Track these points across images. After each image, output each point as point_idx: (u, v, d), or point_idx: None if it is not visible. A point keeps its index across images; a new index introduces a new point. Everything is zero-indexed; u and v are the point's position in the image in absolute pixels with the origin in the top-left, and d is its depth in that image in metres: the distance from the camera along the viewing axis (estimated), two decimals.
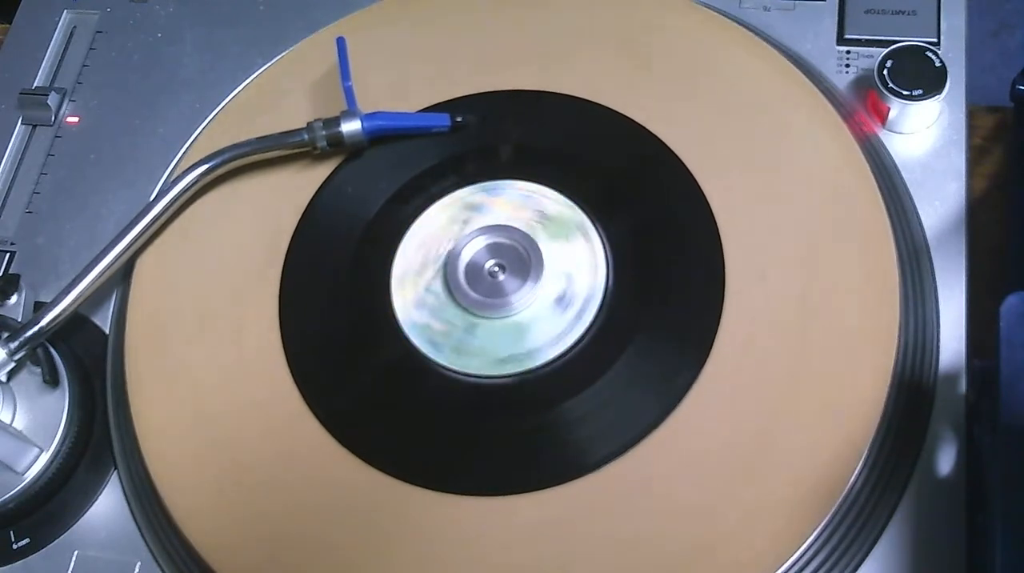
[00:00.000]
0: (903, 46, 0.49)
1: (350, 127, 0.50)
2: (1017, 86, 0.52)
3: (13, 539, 0.47)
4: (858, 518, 0.41)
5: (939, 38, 0.51)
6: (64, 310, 0.47)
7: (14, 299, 0.50)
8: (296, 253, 0.50)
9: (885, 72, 0.48)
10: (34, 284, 0.52)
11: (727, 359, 0.44)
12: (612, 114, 0.50)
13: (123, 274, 0.51)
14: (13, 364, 0.47)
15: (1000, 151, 0.54)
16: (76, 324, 0.50)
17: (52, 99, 0.58)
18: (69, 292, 0.48)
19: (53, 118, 0.58)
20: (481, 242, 0.48)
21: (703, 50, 0.52)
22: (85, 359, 0.50)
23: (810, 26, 0.53)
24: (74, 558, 0.46)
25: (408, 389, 0.46)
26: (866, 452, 0.41)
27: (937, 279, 0.46)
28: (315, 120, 0.50)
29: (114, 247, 0.49)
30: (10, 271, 0.53)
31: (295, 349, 0.47)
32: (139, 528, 0.47)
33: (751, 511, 0.41)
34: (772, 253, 0.46)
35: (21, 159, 0.57)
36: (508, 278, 0.47)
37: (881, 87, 0.48)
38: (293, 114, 0.52)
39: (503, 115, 0.52)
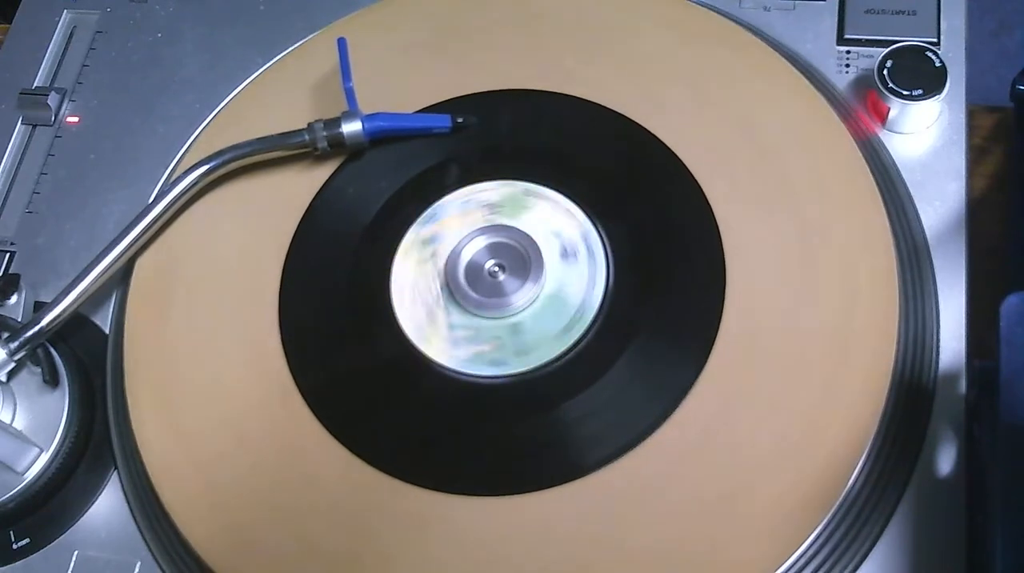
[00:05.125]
0: (903, 46, 0.49)
1: (351, 128, 0.50)
2: (1017, 86, 0.52)
3: (13, 539, 0.47)
4: (858, 518, 0.41)
5: (939, 38, 0.51)
6: (64, 310, 0.47)
7: (14, 299, 0.50)
8: (296, 254, 0.50)
9: (885, 72, 0.48)
10: (34, 284, 0.52)
11: (727, 359, 0.44)
12: (613, 114, 0.50)
13: (123, 274, 0.51)
14: (13, 364, 0.47)
15: (1000, 151, 0.54)
16: (76, 324, 0.50)
17: (52, 99, 0.58)
18: (69, 292, 0.48)
19: (53, 118, 0.58)
20: (481, 242, 0.48)
21: (703, 50, 0.52)
22: (85, 359, 0.50)
23: (810, 26, 0.53)
24: (74, 558, 0.46)
25: (408, 389, 0.46)
26: (866, 452, 0.41)
27: (937, 279, 0.46)
28: (316, 121, 0.50)
29: (114, 247, 0.49)
30: (10, 271, 0.53)
31: (295, 349, 0.47)
32: (139, 528, 0.47)
33: (751, 511, 0.41)
34: (772, 253, 0.46)
35: (21, 159, 0.57)
36: (508, 278, 0.47)
37: (881, 87, 0.48)
38: (293, 115, 0.52)
39: (503, 115, 0.52)
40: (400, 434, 0.45)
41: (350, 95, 0.50)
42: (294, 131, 0.51)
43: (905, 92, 0.48)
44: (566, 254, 0.47)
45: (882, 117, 0.49)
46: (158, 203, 0.50)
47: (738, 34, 0.52)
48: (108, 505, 0.47)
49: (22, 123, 0.58)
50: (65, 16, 0.61)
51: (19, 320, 0.49)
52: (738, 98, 0.50)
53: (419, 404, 0.46)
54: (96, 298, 0.51)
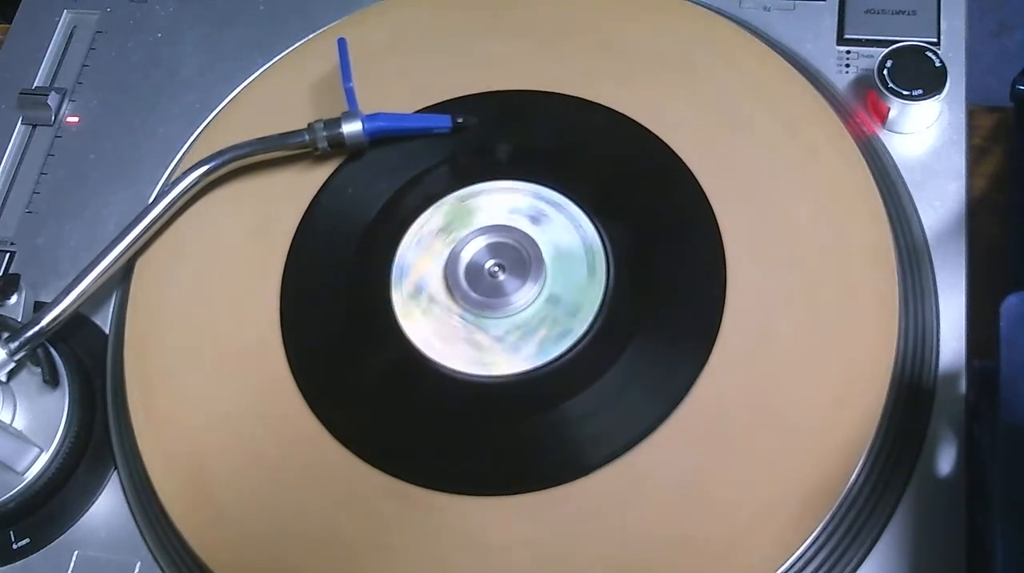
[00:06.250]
0: (903, 46, 0.49)
1: (351, 128, 0.50)
2: (1017, 86, 0.52)
3: (13, 539, 0.47)
4: (858, 518, 0.41)
5: (939, 38, 0.51)
6: (64, 310, 0.47)
7: (14, 299, 0.50)
8: (296, 254, 0.50)
9: (885, 72, 0.48)
10: (34, 284, 0.52)
11: (727, 359, 0.44)
12: (612, 114, 0.50)
13: (123, 274, 0.51)
14: (13, 364, 0.47)
15: (1000, 151, 0.54)
16: (76, 324, 0.50)
17: (52, 99, 0.58)
18: (69, 292, 0.48)
19: (53, 118, 0.58)
20: (481, 242, 0.48)
21: (703, 50, 0.52)
22: (85, 359, 0.50)
23: (810, 26, 0.53)
24: (74, 558, 0.46)
25: (408, 389, 0.46)
26: (866, 452, 0.41)
27: (937, 279, 0.46)
28: (316, 121, 0.50)
29: (114, 247, 0.49)
30: (10, 271, 0.53)
31: (295, 349, 0.47)
32: (139, 528, 0.47)
33: (751, 511, 0.41)
34: (772, 253, 0.46)
35: (21, 159, 0.57)
36: (508, 278, 0.47)
37: (881, 87, 0.48)
38: (293, 115, 0.52)
39: (503, 115, 0.52)
40: (401, 434, 0.45)
41: (350, 95, 0.50)
42: (294, 131, 0.51)
43: (905, 92, 0.48)
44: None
45: (882, 117, 0.49)
46: (158, 203, 0.50)
47: (738, 34, 0.52)
48: (108, 505, 0.47)
49: (22, 123, 0.58)
50: (65, 16, 0.61)
51: (19, 320, 0.49)
52: (738, 98, 0.50)
53: (420, 404, 0.46)
54: (96, 298, 0.51)
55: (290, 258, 0.50)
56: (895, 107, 0.48)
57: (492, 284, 0.47)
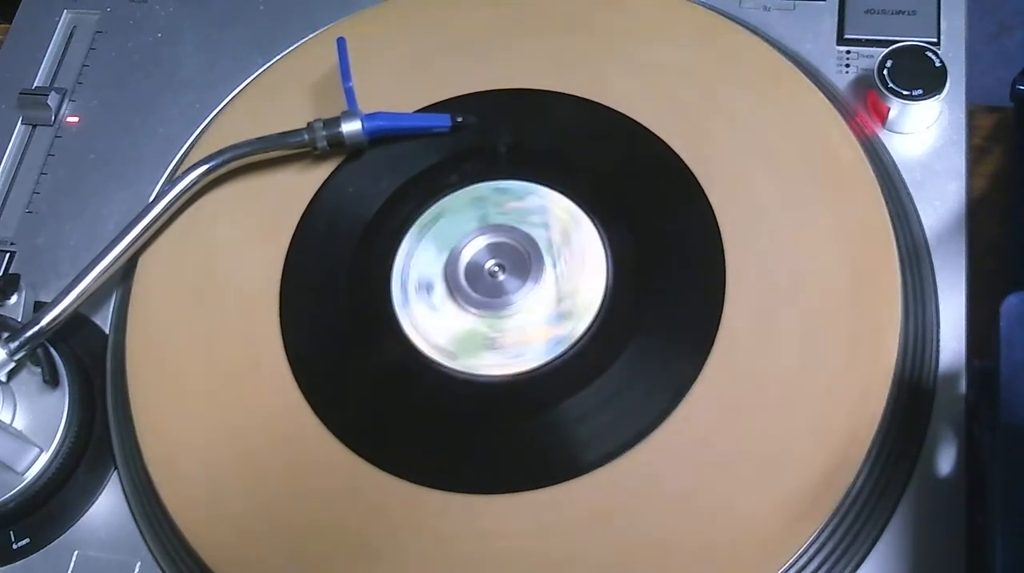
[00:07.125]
0: (903, 46, 0.49)
1: (351, 127, 0.50)
2: (1017, 86, 0.53)
3: (13, 539, 0.47)
4: (858, 518, 0.41)
5: (939, 38, 0.51)
6: (64, 310, 0.47)
7: (14, 299, 0.50)
8: (297, 253, 0.50)
9: (885, 72, 0.48)
10: (34, 284, 0.52)
11: (727, 359, 0.44)
12: (613, 114, 0.50)
13: (123, 274, 0.51)
14: (13, 364, 0.47)
15: (1000, 151, 0.54)
16: (76, 324, 0.50)
17: (52, 99, 0.57)
18: (69, 292, 0.48)
19: (53, 118, 0.58)
20: (481, 242, 0.48)
21: (703, 51, 0.52)
22: (85, 359, 0.50)
23: (810, 26, 0.53)
24: (74, 558, 0.46)
25: (408, 389, 0.46)
26: (866, 452, 0.41)
27: (937, 279, 0.46)
28: (315, 120, 0.51)
29: (114, 247, 0.49)
30: (10, 271, 0.53)
31: (296, 348, 0.47)
32: (139, 528, 0.47)
33: (751, 511, 0.41)
34: (772, 253, 0.46)
35: (21, 159, 0.57)
36: (508, 278, 0.47)
37: (881, 87, 0.48)
38: (293, 114, 0.52)
39: (503, 115, 0.52)
40: (402, 433, 0.45)
41: (350, 95, 0.50)
42: (294, 131, 0.51)
43: (905, 92, 0.48)
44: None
45: (882, 117, 0.49)
46: (158, 203, 0.50)
47: (738, 34, 0.52)
48: (108, 505, 0.47)
49: (22, 123, 0.58)
50: (65, 16, 0.61)
51: (19, 320, 0.49)
52: (738, 98, 0.50)
53: (420, 403, 0.46)
54: (96, 298, 0.50)
55: (290, 257, 0.50)
56: (895, 107, 0.48)
57: (492, 284, 0.47)
